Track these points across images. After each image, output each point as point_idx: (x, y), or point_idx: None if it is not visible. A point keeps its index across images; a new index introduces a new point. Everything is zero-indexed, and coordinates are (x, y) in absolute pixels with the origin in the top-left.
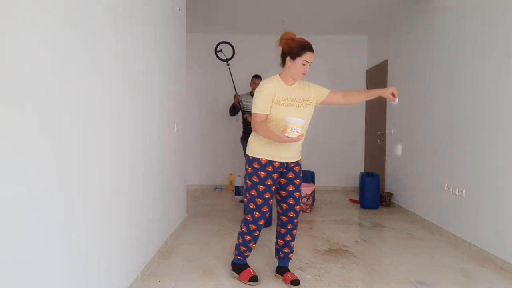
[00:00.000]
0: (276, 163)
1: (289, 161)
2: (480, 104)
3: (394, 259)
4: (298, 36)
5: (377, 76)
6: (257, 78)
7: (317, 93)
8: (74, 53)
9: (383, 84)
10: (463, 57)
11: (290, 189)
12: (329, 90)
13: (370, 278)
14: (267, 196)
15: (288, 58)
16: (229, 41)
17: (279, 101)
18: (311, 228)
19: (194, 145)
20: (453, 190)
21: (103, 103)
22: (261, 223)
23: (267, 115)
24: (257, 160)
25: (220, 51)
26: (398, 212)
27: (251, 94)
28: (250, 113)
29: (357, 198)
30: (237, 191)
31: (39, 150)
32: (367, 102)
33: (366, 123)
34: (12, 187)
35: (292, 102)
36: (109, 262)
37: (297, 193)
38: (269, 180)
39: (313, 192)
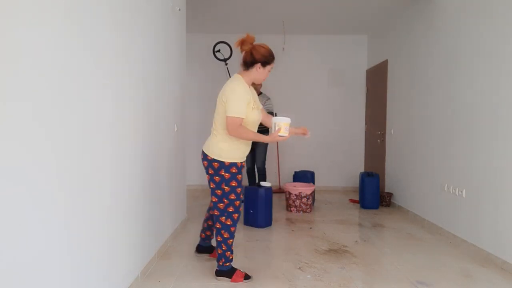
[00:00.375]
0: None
1: None
2: (480, 104)
3: (394, 259)
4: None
5: (377, 76)
6: None
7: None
8: (74, 53)
9: (383, 84)
10: (463, 57)
11: None
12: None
13: (370, 278)
14: (241, 196)
15: (258, 65)
16: (227, 41)
17: (249, 104)
18: (311, 228)
19: (194, 145)
20: (453, 190)
21: (103, 103)
22: (237, 220)
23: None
24: (235, 164)
25: (218, 51)
26: (398, 212)
27: None
28: None
29: (357, 198)
30: None
31: (39, 150)
32: (367, 102)
33: (366, 123)
34: (12, 187)
35: (255, 105)
36: (109, 262)
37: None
38: (241, 181)
39: (313, 192)
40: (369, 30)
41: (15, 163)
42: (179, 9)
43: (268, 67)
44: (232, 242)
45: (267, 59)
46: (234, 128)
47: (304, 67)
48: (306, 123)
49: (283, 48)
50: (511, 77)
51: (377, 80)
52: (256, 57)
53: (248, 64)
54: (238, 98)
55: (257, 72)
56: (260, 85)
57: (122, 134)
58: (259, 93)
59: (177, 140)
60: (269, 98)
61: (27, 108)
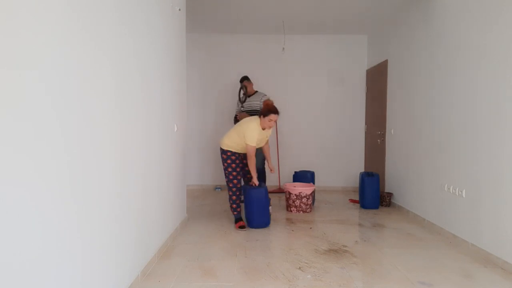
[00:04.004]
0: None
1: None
2: (480, 104)
3: (394, 259)
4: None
5: (377, 76)
6: (243, 81)
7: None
8: (73, 54)
9: (383, 84)
10: (463, 57)
11: None
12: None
13: (370, 278)
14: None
15: (261, 116)
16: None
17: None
18: (311, 228)
19: (194, 145)
20: (453, 190)
21: (103, 103)
22: (231, 187)
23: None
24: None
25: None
26: (398, 212)
27: (247, 95)
28: (251, 112)
29: (357, 198)
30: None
31: (39, 150)
32: (367, 102)
33: (366, 123)
34: (12, 187)
35: (259, 140)
36: (109, 262)
37: None
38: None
39: (313, 192)
40: (369, 30)
41: (15, 163)
42: (179, 9)
43: (267, 118)
44: (232, 201)
45: (263, 112)
46: (252, 152)
47: (304, 67)
48: (306, 123)
49: (283, 48)
50: (511, 77)
51: (377, 80)
52: (261, 111)
53: (260, 115)
54: (256, 135)
55: (262, 120)
56: (251, 84)
57: (122, 134)
58: (254, 92)
59: (177, 140)
60: (265, 95)
61: (27, 107)
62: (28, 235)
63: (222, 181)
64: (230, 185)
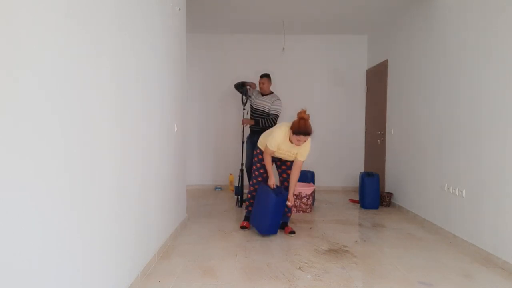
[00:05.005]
0: None
1: None
2: (480, 104)
3: (394, 259)
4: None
5: (377, 76)
6: (262, 77)
7: (297, 152)
8: (73, 54)
9: (383, 84)
10: (463, 57)
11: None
12: (297, 159)
13: (370, 278)
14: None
15: (291, 130)
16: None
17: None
18: (311, 228)
19: (194, 145)
20: (453, 190)
21: (103, 103)
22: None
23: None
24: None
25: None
26: (398, 212)
27: (261, 93)
28: (259, 112)
29: (357, 198)
30: (237, 191)
31: (39, 150)
32: (367, 102)
33: (366, 123)
34: (12, 187)
35: (282, 150)
36: (109, 262)
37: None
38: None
39: (313, 192)
40: (369, 30)
41: (14, 163)
42: (179, 9)
43: (295, 137)
44: (247, 200)
45: (293, 129)
46: (265, 152)
47: (304, 67)
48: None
49: (283, 48)
50: (511, 76)
51: (377, 80)
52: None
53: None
54: (274, 139)
55: (291, 134)
56: (269, 84)
57: (122, 134)
58: (269, 93)
59: (177, 140)
60: (278, 99)
61: (27, 107)
62: (28, 235)
63: (222, 181)
64: (252, 182)
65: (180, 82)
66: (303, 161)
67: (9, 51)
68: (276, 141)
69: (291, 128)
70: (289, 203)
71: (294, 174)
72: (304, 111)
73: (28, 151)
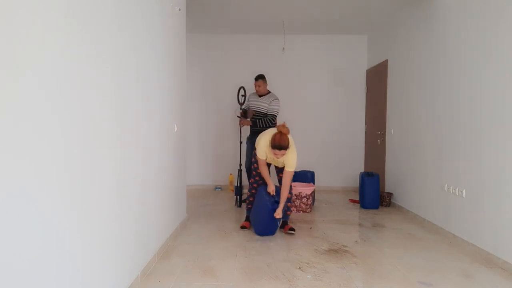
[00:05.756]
0: None
1: None
2: (480, 104)
3: (394, 259)
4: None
5: (377, 76)
6: (257, 80)
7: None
8: (73, 54)
9: (383, 84)
10: (463, 57)
11: None
12: (285, 169)
13: (370, 278)
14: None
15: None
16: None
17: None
18: (311, 228)
19: (194, 145)
20: (453, 190)
21: (103, 103)
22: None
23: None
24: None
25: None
26: (398, 212)
27: (258, 94)
28: (257, 113)
29: (357, 198)
30: (237, 191)
31: (39, 151)
32: (367, 102)
33: (366, 123)
34: (12, 187)
35: (270, 158)
36: (109, 262)
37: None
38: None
39: (313, 192)
40: (369, 30)
41: (14, 163)
42: (179, 9)
43: (271, 150)
44: (247, 200)
45: (271, 142)
46: (259, 161)
47: (304, 67)
48: (306, 123)
49: (283, 48)
50: (511, 77)
51: (377, 80)
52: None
53: None
54: (260, 147)
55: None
56: (265, 85)
57: (122, 134)
58: (267, 93)
59: (177, 140)
60: (276, 99)
61: (26, 107)
62: (28, 235)
63: (222, 181)
64: (251, 181)
65: (180, 82)
66: (292, 172)
67: (9, 51)
68: (262, 149)
69: (270, 140)
70: (276, 216)
71: (284, 184)
72: (283, 125)
73: (28, 151)
